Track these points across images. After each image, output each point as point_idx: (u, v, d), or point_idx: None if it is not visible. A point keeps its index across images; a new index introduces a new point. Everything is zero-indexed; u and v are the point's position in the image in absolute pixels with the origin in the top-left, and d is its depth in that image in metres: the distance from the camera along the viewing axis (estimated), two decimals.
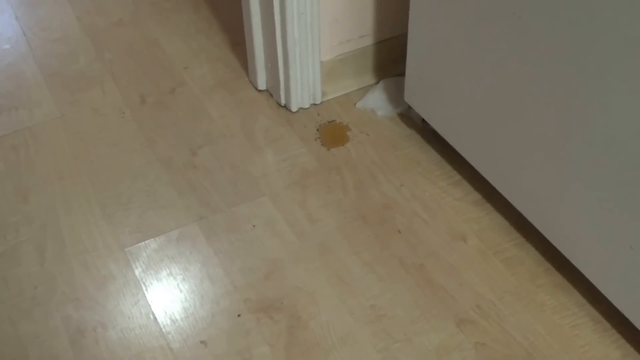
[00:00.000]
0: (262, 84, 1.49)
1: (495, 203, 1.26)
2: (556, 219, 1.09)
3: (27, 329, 1.10)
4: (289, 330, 1.09)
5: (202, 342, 1.08)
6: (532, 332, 1.08)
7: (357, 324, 1.10)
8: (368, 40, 1.46)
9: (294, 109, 1.45)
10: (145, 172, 1.34)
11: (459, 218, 1.24)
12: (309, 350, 1.07)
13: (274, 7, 1.30)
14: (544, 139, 1.04)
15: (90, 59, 1.59)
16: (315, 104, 1.47)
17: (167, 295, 1.14)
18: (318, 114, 1.45)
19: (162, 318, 1.11)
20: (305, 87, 1.42)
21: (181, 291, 1.15)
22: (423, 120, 1.37)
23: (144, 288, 1.15)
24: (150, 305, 1.13)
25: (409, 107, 1.40)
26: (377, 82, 1.50)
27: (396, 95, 1.45)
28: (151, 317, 1.12)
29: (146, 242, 1.22)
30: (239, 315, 1.11)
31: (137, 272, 1.17)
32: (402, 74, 1.35)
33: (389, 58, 1.49)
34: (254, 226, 1.24)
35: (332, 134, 1.41)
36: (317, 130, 1.42)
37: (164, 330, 1.10)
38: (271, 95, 1.48)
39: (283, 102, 1.45)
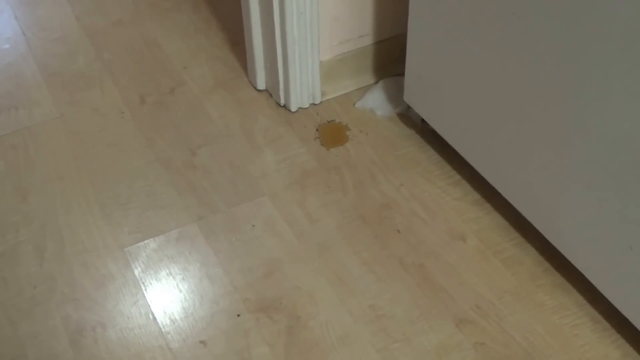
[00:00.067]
0: (261, 84, 1.49)
1: (494, 203, 1.26)
2: (556, 219, 1.09)
3: (26, 329, 1.10)
4: (288, 330, 1.09)
5: (201, 342, 1.08)
6: (532, 332, 1.08)
7: (356, 324, 1.10)
8: (367, 40, 1.46)
9: (293, 108, 1.44)
10: (144, 172, 1.33)
11: (459, 218, 1.24)
12: (309, 350, 1.07)
13: (273, 7, 1.30)
14: (544, 139, 1.04)
15: (90, 59, 1.59)
16: (314, 104, 1.47)
17: (166, 295, 1.14)
18: (317, 114, 1.45)
19: (162, 318, 1.11)
20: (304, 86, 1.42)
21: (180, 291, 1.15)
22: (422, 120, 1.37)
23: (143, 288, 1.15)
24: (149, 305, 1.13)
25: (409, 107, 1.40)
26: (377, 82, 1.50)
27: (395, 95, 1.45)
28: (150, 317, 1.12)
29: (145, 242, 1.22)
30: (238, 315, 1.11)
31: (136, 272, 1.17)
32: (402, 73, 1.35)
33: (389, 58, 1.49)
34: (253, 226, 1.24)
35: (332, 134, 1.41)
36: (317, 130, 1.42)
37: (163, 330, 1.10)
38: (270, 95, 1.48)
39: (282, 102, 1.45)
